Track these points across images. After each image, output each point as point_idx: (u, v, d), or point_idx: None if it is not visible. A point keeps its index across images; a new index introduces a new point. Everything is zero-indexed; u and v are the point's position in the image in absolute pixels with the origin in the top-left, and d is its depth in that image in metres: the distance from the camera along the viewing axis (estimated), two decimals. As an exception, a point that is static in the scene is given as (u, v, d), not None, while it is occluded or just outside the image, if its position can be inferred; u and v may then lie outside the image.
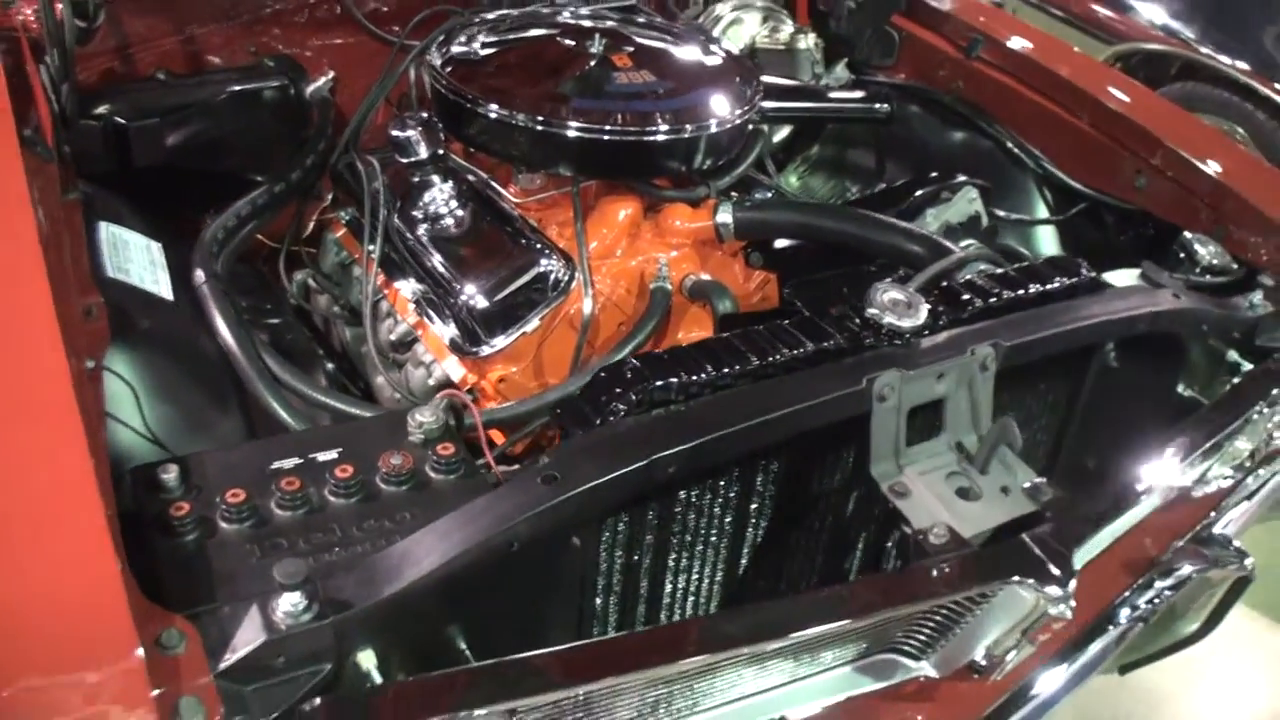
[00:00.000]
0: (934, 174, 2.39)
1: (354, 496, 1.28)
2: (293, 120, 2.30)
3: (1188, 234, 2.05)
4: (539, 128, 1.94)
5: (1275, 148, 4.18)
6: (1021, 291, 1.69)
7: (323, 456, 1.33)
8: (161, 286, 1.73)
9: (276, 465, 1.30)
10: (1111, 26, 4.63)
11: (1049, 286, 1.72)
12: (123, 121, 2.07)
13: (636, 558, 1.45)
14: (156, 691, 0.94)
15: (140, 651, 0.95)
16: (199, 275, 1.77)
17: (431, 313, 1.92)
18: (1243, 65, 4.23)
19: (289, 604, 1.04)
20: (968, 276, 1.76)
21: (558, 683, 1.15)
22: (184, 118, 2.15)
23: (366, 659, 1.11)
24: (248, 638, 1.03)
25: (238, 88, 2.24)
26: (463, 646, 1.25)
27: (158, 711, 0.93)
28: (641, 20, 2.41)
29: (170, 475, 1.24)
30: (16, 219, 1.40)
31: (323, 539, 1.23)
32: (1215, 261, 2.00)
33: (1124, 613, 1.70)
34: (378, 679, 1.11)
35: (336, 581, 1.10)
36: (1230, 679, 2.88)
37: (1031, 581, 1.34)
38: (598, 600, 1.47)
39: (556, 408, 1.51)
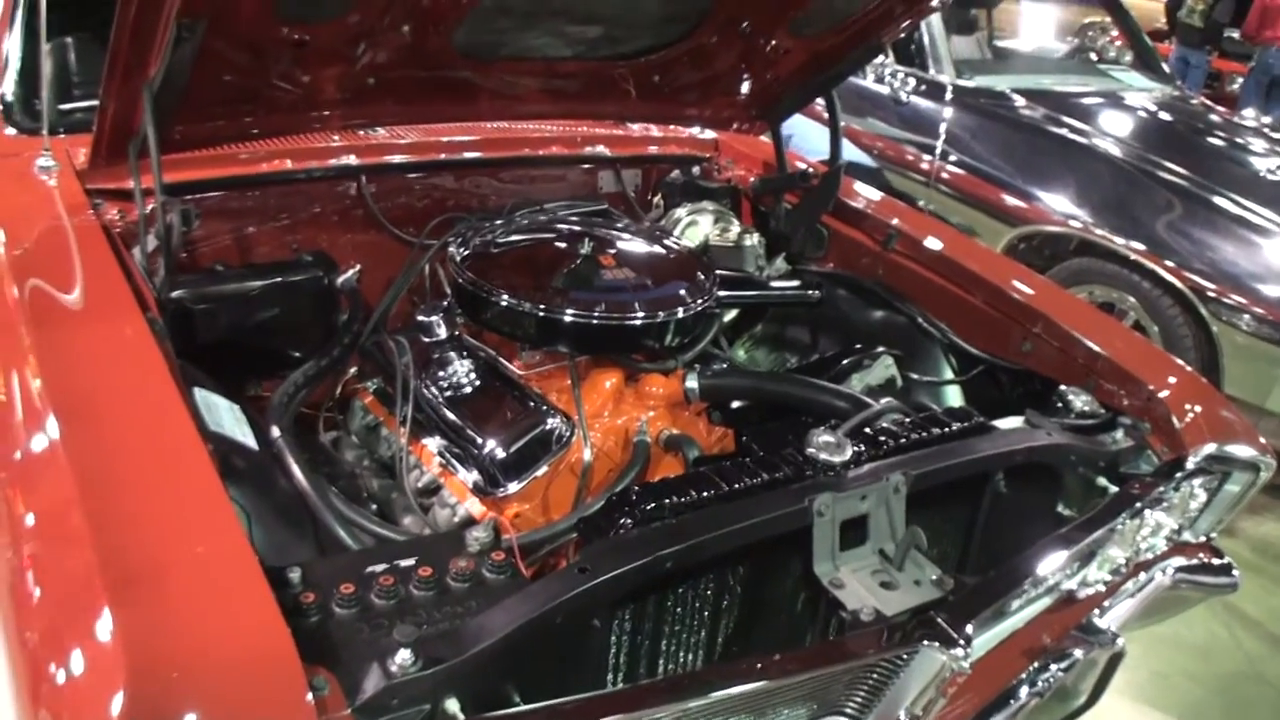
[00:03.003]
0: (858, 346, 2.72)
1: (433, 590, 1.57)
2: (325, 305, 2.56)
3: (1063, 387, 2.39)
4: (542, 314, 2.31)
5: (1160, 312, 4.63)
6: (925, 434, 2.04)
7: (404, 562, 1.64)
8: (248, 439, 2.02)
9: (370, 569, 1.61)
10: (1018, 211, 5.20)
11: (946, 430, 2.08)
12: (189, 306, 2.31)
13: (639, 639, 1.80)
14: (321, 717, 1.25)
15: (310, 696, 1.26)
16: (275, 431, 2.07)
17: (455, 462, 2.20)
18: (1137, 245, 4.71)
19: (402, 658, 1.35)
20: (883, 424, 2.10)
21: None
22: (236, 304, 2.41)
23: (452, 704, 1.39)
24: (373, 684, 1.34)
25: (279, 279, 2.49)
26: (517, 700, 1.56)
27: None
28: (619, 224, 2.83)
29: (295, 574, 1.56)
30: (166, 388, 1.72)
31: (412, 620, 1.52)
32: (1086, 408, 2.34)
33: (1024, 690, 2.04)
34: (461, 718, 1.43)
35: (430, 647, 1.39)
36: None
37: (938, 644, 1.71)
38: (609, 678, 1.80)
39: (580, 524, 1.85)
